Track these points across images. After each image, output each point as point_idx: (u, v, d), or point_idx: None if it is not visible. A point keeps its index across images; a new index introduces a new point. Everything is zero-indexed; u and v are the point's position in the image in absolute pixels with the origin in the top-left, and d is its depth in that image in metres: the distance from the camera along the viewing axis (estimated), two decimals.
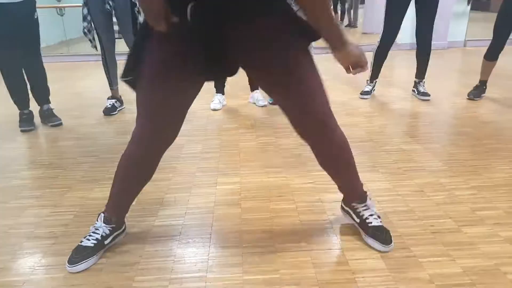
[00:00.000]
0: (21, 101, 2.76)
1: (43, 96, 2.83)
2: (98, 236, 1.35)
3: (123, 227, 1.44)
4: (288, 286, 1.21)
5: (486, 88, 3.20)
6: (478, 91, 3.18)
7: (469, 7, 5.88)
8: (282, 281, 1.24)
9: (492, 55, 3.07)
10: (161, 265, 1.33)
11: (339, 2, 9.14)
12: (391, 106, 3.08)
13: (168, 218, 1.61)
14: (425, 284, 1.20)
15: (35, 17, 2.60)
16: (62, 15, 5.96)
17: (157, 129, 1.21)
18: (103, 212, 1.40)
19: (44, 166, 2.15)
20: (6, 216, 1.66)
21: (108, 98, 3.09)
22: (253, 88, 3.23)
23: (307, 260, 1.33)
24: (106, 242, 1.37)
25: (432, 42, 3.17)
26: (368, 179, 1.85)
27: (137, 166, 1.30)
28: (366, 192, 1.45)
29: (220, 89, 3.17)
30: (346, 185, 1.44)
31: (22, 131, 2.72)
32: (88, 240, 1.35)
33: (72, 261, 1.31)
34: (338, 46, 1.12)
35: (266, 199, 1.73)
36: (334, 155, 1.33)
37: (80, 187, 1.89)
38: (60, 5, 5.98)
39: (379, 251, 1.36)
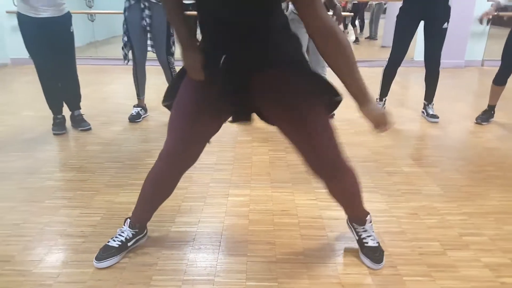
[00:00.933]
0: (55, 107, 3.02)
1: (75, 102, 3.08)
2: (123, 238, 1.56)
3: (145, 232, 1.65)
4: None
5: (494, 113, 3.31)
6: (486, 116, 3.29)
7: (488, 26, 5.93)
8: None
9: (500, 80, 3.17)
10: (176, 267, 1.53)
11: (357, 17, 9.26)
12: (399, 126, 3.21)
13: (184, 225, 1.81)
14: None
15: (71, 30, 2.85)
16: (92, 21, 6.28)
17: (183, 152, 1.41)
18: (129, 218, 1.61)
19: (75, 169, 2.39)
20: (42, 215, 1.89)
21: (134, 106, 3.33)
22: None
23: (304, 272, 1.51)
24: (129, 244, 1.57)
25: (449, 61, 3.32)
26: (367, 199, 1.99)
27: (162, 182, 1.51)
28: (366, 217, 1.60)
29: None
30: (349, 211, 1.60)
31: (54, 134, 2.98)
32: (114, 241, 1.56)
33: (99, 258, 1.52)
34: (363, 102, 1.22)
35: (271, 213, 1.91)
36: (342, 192, 1.48)
37: (106, 191, 2.11)
38: (92, 11, 6.30)
39: (370, 268, 1.53)
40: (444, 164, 2.50)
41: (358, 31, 9.24)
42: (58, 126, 3.02)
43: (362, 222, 1.60)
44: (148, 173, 1.51)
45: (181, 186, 2.12)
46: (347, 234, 1.71)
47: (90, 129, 3.07)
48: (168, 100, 1.43)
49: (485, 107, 3.32)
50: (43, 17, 2.66)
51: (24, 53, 4.22)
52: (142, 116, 3.31)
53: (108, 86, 4.56)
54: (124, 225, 1.60)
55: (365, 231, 1.59)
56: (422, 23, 3.16)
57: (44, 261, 1.56)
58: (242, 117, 1.33)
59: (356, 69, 1.17)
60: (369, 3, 9.35)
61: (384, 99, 3.48)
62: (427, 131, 3.12)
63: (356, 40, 8.75)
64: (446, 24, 3.09)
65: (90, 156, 2.59)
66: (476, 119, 3.29)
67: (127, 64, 3.16)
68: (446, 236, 1.74)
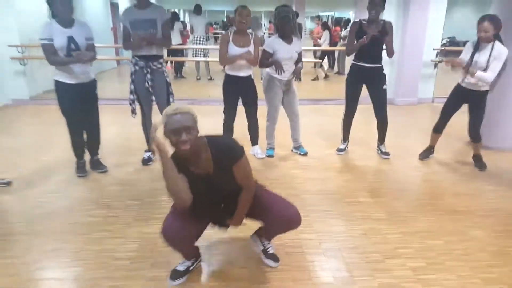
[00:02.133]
0: (79, 154, 3.65)
1: (95, 149, 3.73)
2: (187, 265, 2.23)
3: (200, 257, 2.31)
4: None
5: (433, 151, 4.16)
6: (426, 153, 4.15)
7: (435, 70, 6.98)
8: None
9: (438, 129, 4.01)
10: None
11: (326, 56, 10.43)
12: (358, 162, 4.02)
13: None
14: None
15: (96, 92, 3.53)
16: None
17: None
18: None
19: (106, 207, 3.03)
20: (93, 243, 2.53)
21: (145, 151, 4.00)
22: (253, 143, 4.15)
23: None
24: (190, 268, 2.24)
25: (405, 99, 4.22)
26: (332, 224, 2.76)
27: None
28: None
29: None
30: (268, 234, 2.32)
31: (78, 176, 3.60)
32: (181, 266, 2.22)
33: (172, 277, 2.18)
34: (236, 221, 2.13)
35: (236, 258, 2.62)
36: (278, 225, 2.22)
37: (136, 224, 2.77)
38: (118, 58, 6.93)
39: (272, 267, 2.28)
40: (390, 195, 3.30)
41: (326, 67, 10.26)
42: (81, 169, 3.65)
43: (270, 239, 2.34)
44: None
45: None
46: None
47: (106, 171, 3.71)
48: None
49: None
50: (77, 83, 3.33)
51: (24, 94, 4.90)
52: (152, 159, 3.98)
53: (121, 129, 5.14)
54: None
55: (269, 245, 2.34)
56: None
57: (105, 278, 2.20)
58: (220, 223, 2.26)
59: (247, 206, 2.09)
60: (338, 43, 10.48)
61: (346, 142, 4.30)
62: (380, 167, 3.94)
63: (326, 77, 9.74)
64: (384, 86, 3.95)
65: (114, 196, 3.23)
66: (419, 155, 4.14)
67: (134, 117, 3.83)
68: (386, 249, 2.50)
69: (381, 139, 4.20)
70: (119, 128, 5.21)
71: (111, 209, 3.00)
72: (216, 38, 18.91)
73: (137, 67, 3.63)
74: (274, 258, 2.32)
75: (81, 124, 3.55)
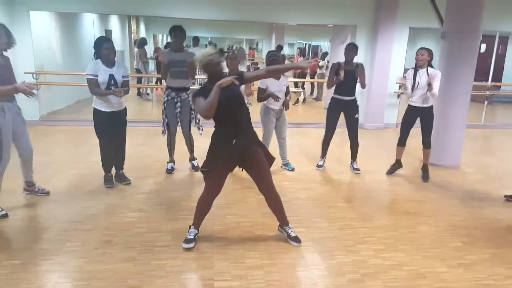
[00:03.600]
0: (107, 168, 4.41)
1: (121, 164, 4.49)
2: (195, 233, 3.13)
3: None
4: None
5: (398, 166, 5.12)
6: (392, 169, 5.12)
7: (399, 99, 8.13)
8: None
9: (400, 142, 5.00)
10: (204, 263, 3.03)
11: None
12: (335, 177, 4.96)
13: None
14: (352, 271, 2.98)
15: (126, 118, 4.33)
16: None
17: (217, 192, 3.11)
18: (192, 225, 3.17)
19: (137, 210, 3.80)
20: (136, 236, 3.30)
21: (168, 162, 4.88)
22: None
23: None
24: (197, 236, 3.14)
25: (373, 124, 5.36)
26: (317, 222, 3.65)
27: (206, 204, 3.14)
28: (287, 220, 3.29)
29: None
30: (280, 216, 3.25)
31: (107, 187, 4.34)
32: (190, 236, 3.11)
33: (186, 242, 3.08)
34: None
35: None
36: (275, 203, 3.20)
37: (166, 223, 3.55)
38: (141, 85, 7.67)
39: (296, 246, 3.18)
40: (360, 200, 4.24)
41: (308, 93, 11.38)
42: (109, 181, 4.40)
43: (287, 223, 3.26)
44: (198, 200, 3.15)
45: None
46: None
47: (130, 183, 4.48)
48: (205, 167, 3.08)
49: (393, 161, 5.15)
50: (112, 111, 4.13)
51: (35, 116, 5.74)
52: (174, 169, 4.85)
53: (143, 147, 5.89)
54: (190, 229, 3.17)
55: (289, 228, 3.25)
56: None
57: (156, 252, 2.99)
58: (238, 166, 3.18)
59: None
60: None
61: (324, 158, 5.24)
62: (353, 180, 4.89)
63: (304, 101, 10.84)
64: (357, 115, 4.96)
65: (142, 202, 4.01)
66: (386, 172, 5.11)
67: (164, 135, 4.75)
68: (356, 238, 3.40)
69: (354, 156, 5.16)
70: (138, 147, 5.97)
71: (143, 212, 3.78)
72: None
73: (169, 97, 4.59)
74: (296, 239, 3.23)
75: (111, 144, 4.32)
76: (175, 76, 4.54)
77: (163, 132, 4.72)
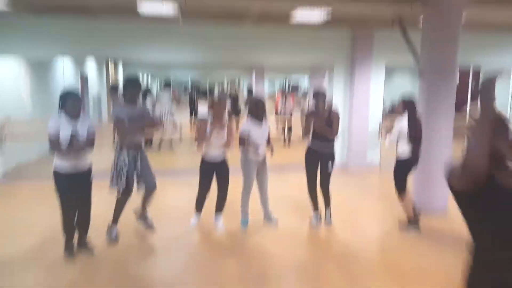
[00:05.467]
0: (69, 235, 3.96)
1: (84, 230, 4.05)
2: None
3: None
4: None
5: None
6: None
7: (380, 140, 7.93)
8: None
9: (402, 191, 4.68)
10: None
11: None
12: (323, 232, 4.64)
13: None
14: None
15: (91, 179, 3.95)
16: None
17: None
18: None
19: None
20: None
21: (111, 227, 4.34)
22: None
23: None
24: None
25: (354, 163, 4.94)
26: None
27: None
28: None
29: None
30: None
31: (66, 257, 3.88)
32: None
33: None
34: None
35: None
36: None
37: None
38: None
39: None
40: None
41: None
42: (70, 250, 3.94)
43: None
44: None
45: None
46: None
47: (93, 254, 4.01)
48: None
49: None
50: (75, 173, 3.75)
51: None
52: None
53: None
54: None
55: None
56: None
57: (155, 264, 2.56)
58: None
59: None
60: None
61: (317, 210, 4.83)
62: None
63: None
64: (330, 169, 4.67)
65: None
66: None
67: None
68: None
69: (327, 204, 4.81)
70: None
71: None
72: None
73: (130, 157, 4.14)
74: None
75: (74, 208, 3.89)
76: (135, 133, 4.17)
77: (118, 193, 4.22)
